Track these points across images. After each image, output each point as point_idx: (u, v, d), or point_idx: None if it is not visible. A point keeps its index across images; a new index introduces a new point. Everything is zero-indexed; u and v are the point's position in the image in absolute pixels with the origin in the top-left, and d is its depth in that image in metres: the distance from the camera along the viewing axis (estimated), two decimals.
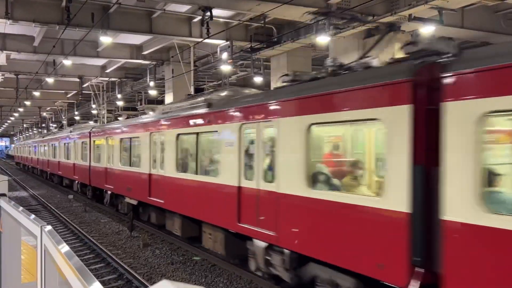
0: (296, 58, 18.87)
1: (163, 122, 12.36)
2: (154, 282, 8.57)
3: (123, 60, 24.91)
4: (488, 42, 16.57)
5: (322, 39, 15.03)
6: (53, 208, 19.44)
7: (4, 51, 21.71)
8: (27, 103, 37.03)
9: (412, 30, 14.84)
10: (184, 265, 10.34)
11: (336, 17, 13.55)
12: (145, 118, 14.88)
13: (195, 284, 8.95)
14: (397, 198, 5.34)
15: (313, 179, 6.89)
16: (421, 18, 13.37)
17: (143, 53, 23.37)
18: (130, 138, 15.13)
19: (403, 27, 14.90)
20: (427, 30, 13.70)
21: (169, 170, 11.70)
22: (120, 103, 31.66)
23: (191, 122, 10.64)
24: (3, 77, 29.03)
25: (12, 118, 61.78)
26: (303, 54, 19.08)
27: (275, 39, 18.13)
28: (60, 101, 42.46)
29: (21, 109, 44.76)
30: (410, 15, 13.06)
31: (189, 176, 10.76)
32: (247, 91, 10.80)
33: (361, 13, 14.27)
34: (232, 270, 9.65)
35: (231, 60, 18.55)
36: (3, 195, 5.97)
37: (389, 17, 13.61)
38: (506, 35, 16.50)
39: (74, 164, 23.29)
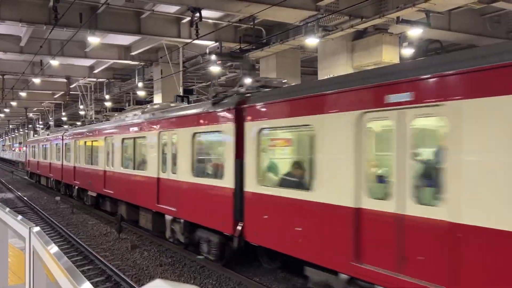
0: (285, 60, 18.94)
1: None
2: (142, 284, 8.51)
3: (111, 61, 24.74)
4: (474, 45, 16.81)
5: (311, 41, 15.11)
6: (40, 210, 19.21)
7: None
8: (13, 103, 36.58)
9: (400, 32, 15.02)
10: (173, 267, 10.29)
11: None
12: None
13: None
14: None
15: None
16: (409, 20, 13.51)
17: (131, 53, 23.24)
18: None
19: (391, 29, 15.06)
20: (414, 32, 13.85)
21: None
22: (108, 104, 31.43)
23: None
24: None
25: None
26: (292, 55, 19.16)
27: (264, 41, 18.17)
28: (47, 101, 42.02)
29: (7, 110, 44.19)
30: (398, 17, 13.20)
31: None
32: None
33: (350, 15, 14.39)
34: (221, 272, 9.63)
35: (220, 61, 18.56)
36: None
37: (377, 19, 13.73)
38: (491, 38, 16.76)
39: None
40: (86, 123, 22.62)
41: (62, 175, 22.50)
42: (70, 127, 27.90)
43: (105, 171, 15.66)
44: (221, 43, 18.87)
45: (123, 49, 23.36)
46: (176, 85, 20.56)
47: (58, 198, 21.83)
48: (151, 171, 12.02)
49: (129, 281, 8.94)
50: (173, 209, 10.78)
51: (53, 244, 2.82)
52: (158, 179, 11.64)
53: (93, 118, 25.70)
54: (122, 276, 9.28)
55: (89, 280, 9.25)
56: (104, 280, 9.57)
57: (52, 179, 25.66)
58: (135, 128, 13.72)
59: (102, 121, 19.07)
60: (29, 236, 3.37)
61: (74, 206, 19.32)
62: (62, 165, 22.39)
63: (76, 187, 20.18)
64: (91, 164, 17.57)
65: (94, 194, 17.28)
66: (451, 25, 16.30)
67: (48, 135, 27.51)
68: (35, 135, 42.76)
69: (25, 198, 23.38)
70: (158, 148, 11.71)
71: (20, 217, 3.97)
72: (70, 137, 21.10)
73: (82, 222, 16.38)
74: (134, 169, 13.52)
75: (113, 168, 15.02)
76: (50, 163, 25.19)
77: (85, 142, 18.54)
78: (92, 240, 13.26)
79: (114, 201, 15.32)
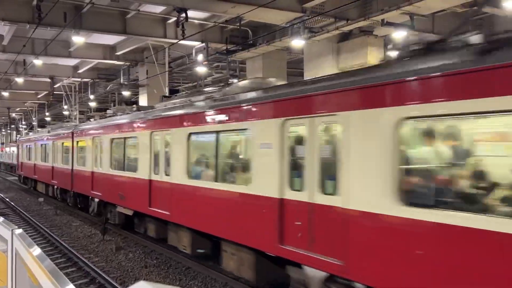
0: (272, 61, 18.98)
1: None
2: (127, 286, 8.45)
3: (96, 61, 24.50)
4: None
5: (297, 43, 15.17)
6: (23, 211, 18.93)
7: None
8: None
9: (384, 34, 15.18)
10: (158, 268, 10.24)
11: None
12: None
13: None
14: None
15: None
16: (393, 23, 13.65)
17: (116, 53, 23.04)
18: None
19: (376, 32, 15.21)
20: (399, 35, 14.00)
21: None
22: (92, 104, 31.10)
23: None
24: None
25: None
26: (278, 57, 19.21)
27: (251, 42, 18.18)
28: (30, 101, 41.39)
29: None
30: (383, 20, 13.32)
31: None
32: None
33: (335, 17, 14.49)
34: (206, 273, 9.61)
35: (206, 62, 18.51)
36: None
37: (362, 22, 13.85)
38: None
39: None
40: (107, 115, 17.07)
41: (72, 183, 17.71)
42: (85, 120, 24.34)
43: (150, 181, 11.35)
44: (207, 43, 18.82)
45: (108, 49, 23.14)
46: (162, 85, 20.44)
47: (41, 199, 21.55)
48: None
49: (114, 283, 8.88)
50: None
51: (36, 246, 2.79)
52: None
53: (122, 108, 16.69)
54: (107, 278, 9.21)
55: (73, 282, 9.15)
56: (88, 282, 9.48)
57: (56, 187, 20.79)
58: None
59: (131, 112, 14.31)
60: (12, 238, 3.33)
61: (57, 207, 19.08)
62: (72, 170, 17.65)
63: (96, 199, 15.24)
64: (124, 170, 13.16)
65: (130, 213, 12.86)
66: (435, 28, 16.51)
67: (49, 132, 22.96)
68: (30, 133, 35.22)
69: (7, 200, 23.01)
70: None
71: (1, 219, 3.91)
72: (87, 134, 16.37)
73: (66, 224, 16.19)
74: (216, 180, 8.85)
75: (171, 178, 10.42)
76: (53, 167, 20.71)
77: (112, 139, 13.96)
78: (76, 242, 13.12)
79: (164, 223, 11.16)
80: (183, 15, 14.33)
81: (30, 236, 13.48)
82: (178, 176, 9.95)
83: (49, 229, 14.94)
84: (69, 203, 18.92)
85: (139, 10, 17.14)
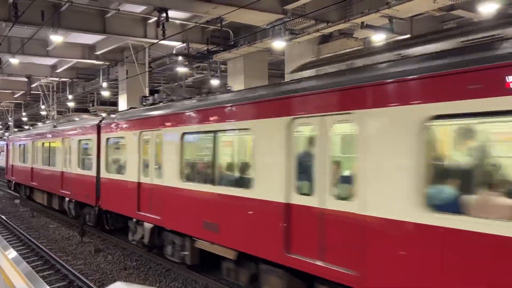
0: (253, 62, 19.01)
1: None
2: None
3: (75, 60, 24.12)
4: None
5: (278, 44, 15.23)
6: None
7: None
8: None
9: (364, 37, 15.37)
10: (138, 270, 10.14)
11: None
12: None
13: None
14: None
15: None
16: (373, 26, 13.84)
17: (96, 53, 22.73)
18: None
19: (356, 34, 15.39)
20: (378, 38, 14.20)
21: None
22: (71, 104, 30.61)
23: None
24: None
25: None
26: (259, 58, 19.25)
27: (232, 43, 18.18)
28: (6, 101, 40.49)
29: None
30: (362, 22, 13.49)
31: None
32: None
33: (316, 19, 14.61)
34: (187, 275, 9.56)
35: (187, 62, 18.42)
36: None
37: (342, 24, 13.99)
38: None
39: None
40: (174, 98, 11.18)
41: (97, 196, 13.04)
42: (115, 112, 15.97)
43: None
44: (188, 44, 18.74)
45: (87, 48, 22.81)
46: (142, 85, 20.25)
47: (17, 201, 21.09)
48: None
49: (92, 286, 8.76)
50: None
51: (12, 249, 2.74)
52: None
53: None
54: (85, 280, 9.08)
55: (50, 285, 8.98)
56: (66, 285, 9.33)
57: (68, 199, 15.55)
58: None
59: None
60: None
61: (34, 209, 18.70)
62: (97, 177, 13.01)
63: (149, 224, 10.31)
64: (216, 184, 8.15)
65: (231, 256, 7.77)
66: (413, 31, 16.80)
67: (55, 126, 18.12)
68: (24, 127, 29.99)
69: None
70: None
71: None
72: (128, 126, 11.52)
73: (43, 226, 15.89)
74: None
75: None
76: (62, 172, 15.85)
77: (193, 133, 9.09)
78: (53, 244, 12.89)
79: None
80: (164, 15, 14.24)
81: (5, 238, 13.20)
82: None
83: (25, 231, 14.64)
84: (88, 222, 14.04)
85: (119, 10, 16.95)
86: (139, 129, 10.85)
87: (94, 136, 13.42)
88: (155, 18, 16.66)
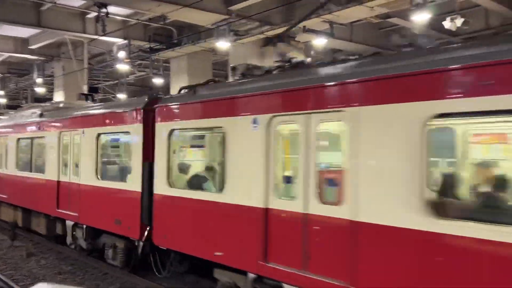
0: (197, 61, 18.89)
1: None
2: None
3: (7, 54, 22.76)
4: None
5: (222, 45, 15.22)
6: None
7: None
8: None
9: (306, 41, 15.74)
10: (74, 275, 9.75)
11: None
12: None
13: None
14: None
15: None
16: (314, 30, 14.20)
17: (30, 47, 21.56)
18: None
19: (298, 38, 15.71)
20: (319, 42, 14.59)
21: None
22: (2, 101, 28.85)
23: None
24: None
25: None
26: (203, 57, 19.16)
27: (176, 41, 17.94)
28: None
29: None
30: (304, 26, 13.79)
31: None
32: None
33: (260, 21, 14.76)
34: (126, 278, 9.32)
35: (128, 59, 17.96)
36: None
37: (285, 27, 14.24)
38: (386, 49, 18.19)
39: None
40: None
41: (153, 225, 8.23)
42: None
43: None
44: (130, 41, 18.27)
45: (20, 42, 21.58)
46: (79, 82, 19.49)
47: None
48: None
49: None
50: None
51: None
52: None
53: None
54: (15, 286, 8.62)
55: None
56: None
57: (73, 223, 10.56)
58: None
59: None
60: None
61: None
62: (151, 195, 8.24)
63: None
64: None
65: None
66: (352, 37, 17.43)
67: (42, 115, 12.63)
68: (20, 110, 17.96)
69: None
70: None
71: None
72: (219, 106, 7.17)
73: None
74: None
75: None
76: (58, 182, 11.19)
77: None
78: None
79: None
80: (104, 10, 13.80)
81: None
82: None
83: None
84: (110, 260, 9.69)
85: (55, 3, 16.18)
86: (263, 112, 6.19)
87: (137, 127, 8.58)
88: (95, 13, 16.10)
